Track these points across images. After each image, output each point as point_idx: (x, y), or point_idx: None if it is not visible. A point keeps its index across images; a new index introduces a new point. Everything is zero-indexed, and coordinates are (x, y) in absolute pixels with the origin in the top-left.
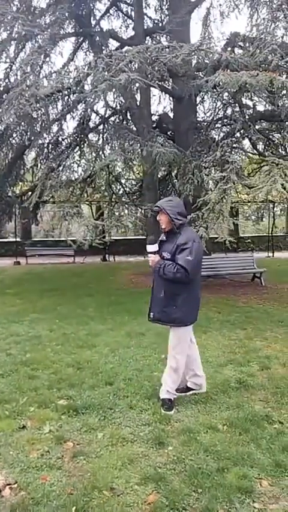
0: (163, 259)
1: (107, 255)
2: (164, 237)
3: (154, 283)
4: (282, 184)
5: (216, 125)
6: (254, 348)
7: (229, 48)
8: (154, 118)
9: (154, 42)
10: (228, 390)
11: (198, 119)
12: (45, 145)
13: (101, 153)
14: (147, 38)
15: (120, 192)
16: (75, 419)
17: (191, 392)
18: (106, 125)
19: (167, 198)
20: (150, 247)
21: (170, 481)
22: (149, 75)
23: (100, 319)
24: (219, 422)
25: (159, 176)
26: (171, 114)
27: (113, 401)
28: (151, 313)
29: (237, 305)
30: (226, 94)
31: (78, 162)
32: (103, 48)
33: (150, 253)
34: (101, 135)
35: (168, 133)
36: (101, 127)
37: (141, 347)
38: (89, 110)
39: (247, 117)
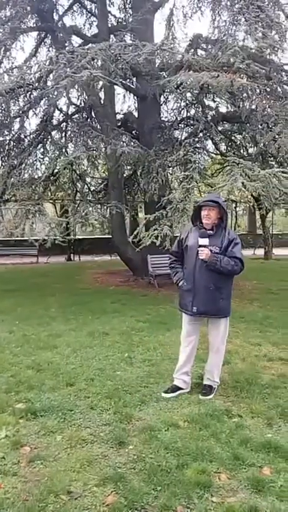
0: (214, 253)
1: (72, 255)
2: (212, 232)
3: (197, 277)
4: (242, 183)
5: (180, 125)
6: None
7: (192, 50)
8: (119, 117)
9: (118, 40)
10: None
11: (163, 119)
12: (7, 142)
13: (64, 150)
14: (111, 36)
15: (85, 190)
16: (33, 423)
17: (179, 392)
18: (70, 123)
19: (215, 195)
20: (203, 241)
21: (130, 481)
22: (112, 73)
23: (62, 319)
24: (180, 419)
25: (124, 175)
26: (136, 113)
27: (74, 403)
28: (194, 307)
29: None
30: (189, 95)
31: (41, 160)
32: (66, 44)
33: (202, 246)
34: (64, 133)
35: (133, 132)
36: (64, 124)
37: (104, 346)
38: (51, 106)
39: (209, 118)
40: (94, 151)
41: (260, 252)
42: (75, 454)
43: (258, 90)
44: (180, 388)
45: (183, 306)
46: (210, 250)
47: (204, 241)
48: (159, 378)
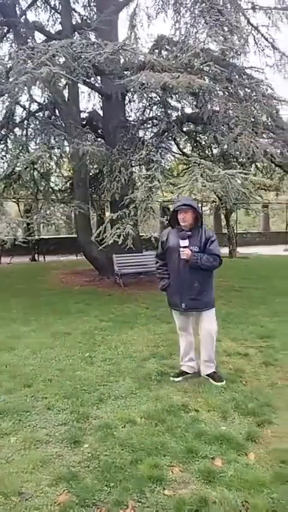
0: (195, 252)
1: (36, 255)
2: (190, 233)
3: (181, 276)
4: (202, 183)
5: (145, 125)
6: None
7: (156, 50)
8: (84, 115)
9: (82, 38)
10: (149, 383)
11: (128, 118)
12: None
13: (25, 148)
14: (76, 33)
15: (48, 189)
16: None
17: (185, 376)
18: (32, 120)
19: (187, 197)
20: (184, 242)
21: (83, 479)
22: (74, 71)
23: (23, 320)
24: (138, 416)
25: (91, 173)
26: (101, 112)
27: (30, 404)
28: (183, 304)
29: (164, 300)
30: (154, 95)
31: (4, 157)
32: (29, 40)
33: (183, 247)
34: (26, 130)
35: (99, 131)
36: (26, 122)
37: (66, 347)
38: (13, 103)
39: (174, 118)
40: (57, 150)
41: (225, 250)
42: (29, 455)
43: (221, 93)
44: (187, 373)
45: (173, 304)
46: (191, 250)
47: (185, 242)
48: (119, 375)
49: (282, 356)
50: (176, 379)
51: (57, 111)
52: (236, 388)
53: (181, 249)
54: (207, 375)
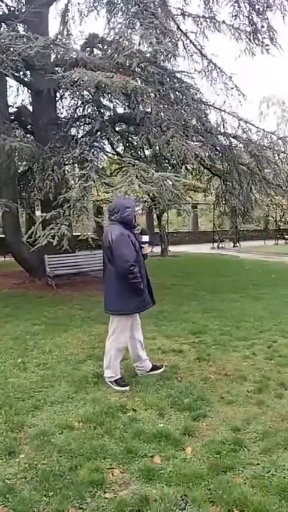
0: None
1: None
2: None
3: (146, 272)
4: (139, 185)
5: (78, 123)
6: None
7: (88, 48)
8: (12, 110)
9: (10, 30)
10: (86, 386)
11: (59, 115)
12: None
13: None
14: (3, 25)
15: None
16: None
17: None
18: None
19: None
20: (146, 238)
21: (20, 491)
22: (3, 64)
23: None
24: (75, 420)
25: (19, 171)
26: (30, 108)
27: None
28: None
29: (99, 300)
30: (86, 93)
31: None
32: None
33: (145, 242)
34: None
35: (28, 127)
36: None
37: None
38: None
39: (106, 117)
40: None
41: (157, 249)
42: None
43: (152, 94)
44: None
45: (145, 304)
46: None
47: (147, 238)
48: (55, 380)
49: (213, 351)
50: (128, 388)
51: None
52: (172, 384)
53: (144, 245)
54: (151, 370)
